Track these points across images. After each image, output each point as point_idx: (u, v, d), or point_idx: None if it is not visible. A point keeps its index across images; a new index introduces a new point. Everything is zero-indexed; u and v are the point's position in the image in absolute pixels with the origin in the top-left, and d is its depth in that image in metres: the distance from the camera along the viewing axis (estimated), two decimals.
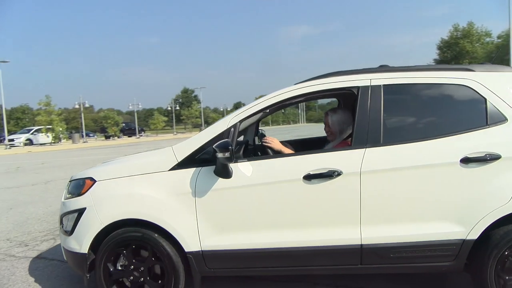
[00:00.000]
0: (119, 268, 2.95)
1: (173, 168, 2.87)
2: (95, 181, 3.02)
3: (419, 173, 2.63)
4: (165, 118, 58.55)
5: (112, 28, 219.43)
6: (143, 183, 2.89)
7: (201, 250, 2.81)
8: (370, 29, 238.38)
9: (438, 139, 2.67)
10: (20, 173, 13.05)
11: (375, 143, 2.72)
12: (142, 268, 2.90)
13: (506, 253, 2.59)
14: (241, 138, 4.34)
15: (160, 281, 2.91)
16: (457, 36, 53.56)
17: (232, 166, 2.75)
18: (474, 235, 2.59)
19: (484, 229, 2.58)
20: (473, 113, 2.76)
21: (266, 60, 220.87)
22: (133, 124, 56.12)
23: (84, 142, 39.68)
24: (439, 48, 56.09)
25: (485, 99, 2.70)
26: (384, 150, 2.70)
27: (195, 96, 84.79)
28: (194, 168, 2.84)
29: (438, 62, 52.58)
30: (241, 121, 2.93)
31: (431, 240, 2.63)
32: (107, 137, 47.69)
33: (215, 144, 2.68)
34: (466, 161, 2.58)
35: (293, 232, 2.75)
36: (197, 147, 2.88)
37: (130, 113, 72.63)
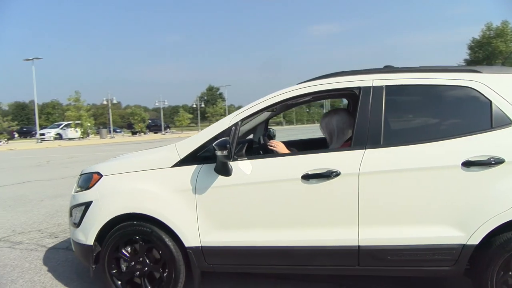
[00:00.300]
0: (124, 266, 3.03)
1: (176, 165, 2.94)
2: (101, 175, 3.13)
3: (418, 176, 2.60)
4: (190, 115, 59.35)
5: (140, 26, 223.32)
6: (146, 179, 2.97)
7: (201, 246, 2.86)
8: (395, 28, 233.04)
9: (440, 142, 2.63)
10: (50, 167, 13.54)
11: (375, 144, 2.70)
12: (144, 261, 2.97)
13: (508, 260, 2.52)
14: (251, 136, 4.38)
15: (161, 274, 2.97)
16: (490, 36, 51.74)
17: (233, 164, 2.79)
18: (475, 240, 2.53)
19: (485, 234, 2.52)
20: (477, 116, 2.70)
21: (291, 58, 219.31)
22: (159, 120, 57.15)
23: (111, 137, 40.74)
24: (470, 48, 54.31)
25: (491, 102, 2.63)
26: (384, 151, 2.68)
27: (220, 94, 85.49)
28: (196, 165, 2.90)
29: (469, 62, 50.93)
30: (242, 120, 2.97)
31: (430, 244, 2.58)
32: (134, 133, 48.75)
33: (214, 142, 2.73)
34: (467, 164, 2.53)
35: (290, 231, 2.76)
36: (199, 145, 2.93)
37: (156, 110, 73.98)
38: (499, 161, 2.50)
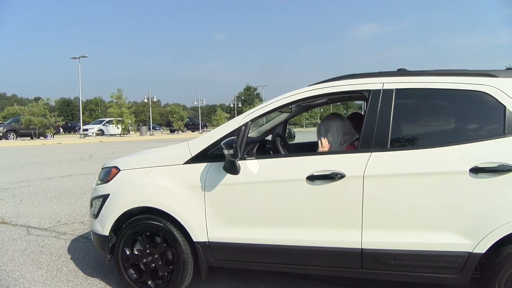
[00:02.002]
0: (136, 252, 3.18)
1: (187, 162, 3.05)
2: (119, 170, 3.29)
3: (424, 181, 2.56)
4: (227, 115, 59.81)
5: (180, 26, 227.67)
6: (159, 175, 3.10)
7: (208, 241, 2.95)
8: (444, 29, 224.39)
9: (448, 147, 2.58)
10: (93, 161, 14.13)
11: (382, 147, 2.69)
12: (155, 254, 3.11)
13: None
14: (269, 137, 4.44)
15: (171, 267, 3.10)
16: None
17: (241, 163, 2.87)
18: (481, 248, 2.47)
19: (492, 243, 2.45)
20: (489, 121, 2.63)
21: (332, 59, 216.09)
22: (197, 119, 58.28)
23: (151, 134, 41.89)
24: None
25: (504, 107, 2.56)
26: (390, 155, 2.66)
27: (257, 94, 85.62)
28: (206, 163, 2.99)
29: None
30: (253, 120, 3.04)
31: (434, 250, 2.54)
32: (172, 131, 49.87)
33: (223, 141, 2.82)
34: (476, 170, 2.47)
35: (294, 231, 2.80)
36: (210, 144, 3.02)
37: (194, 109, 75.50)
38: (510, 168, 2.42)
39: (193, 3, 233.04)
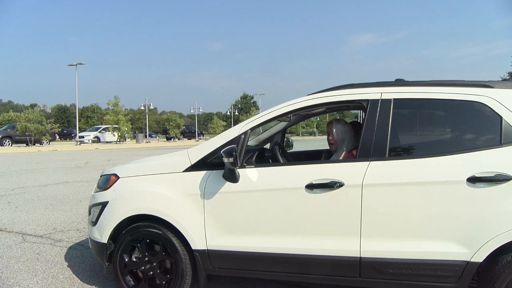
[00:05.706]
0: (134, 259, 3.17)
1: (187, 170, 3.06)
2: (118, 177, 3.29)
3: (422, 190, 2.58)
4: (224, 123, 59.90)
5: (178, 34, 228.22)
6: (158, 182, 3.11)
7: (207, 249, 2.95)
8: (438, 40, 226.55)
9: (446, 156, 2.61)
10: (89, 168, 14.06)
11: (380, 156, 2.71)
12: (153, 262, 3.10)
13: None
14: (268, 145, 4.46)
15: (169, 275, 3.09)
16: None
17: (240, 171, 2.88)
18: (479, 258, 2.48)
19: (490, 252, 2.46)
20: (486, 131, 2.66)
21: (328, 68, 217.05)
22: (193, 127, 58.17)
23: (147, 142, 41.74)
24: None
25: (501, 117, 2.59)
26: (389, 164, 2.69)
27: (254, 102, 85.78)
28: (205, 171, 3.00)
29: None
30: (252, 129, 3.05)
31: (432, 259, 2.56)
32: (168, 139, 49.80)
33: (222, 150, 2.83)
34: (473, 180, 2.49)
35: (293, 239, 2.81)
36: (209, 152, 3.03)
37: (191, 117, 75.55)
38: (507, 178, 2.45)
39: (190, 12, 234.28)
